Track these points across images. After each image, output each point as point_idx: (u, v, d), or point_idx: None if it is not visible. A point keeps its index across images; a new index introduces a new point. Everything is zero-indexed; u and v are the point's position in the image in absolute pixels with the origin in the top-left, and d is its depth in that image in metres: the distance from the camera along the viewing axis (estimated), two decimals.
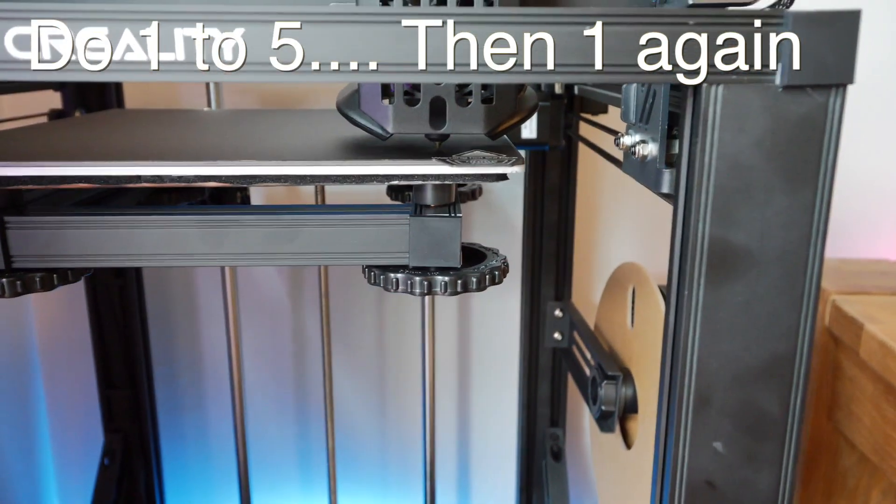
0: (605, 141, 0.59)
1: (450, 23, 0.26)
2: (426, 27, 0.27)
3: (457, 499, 1.01)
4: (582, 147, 0.81)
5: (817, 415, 0.77)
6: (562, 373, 0.88)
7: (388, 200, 0.72)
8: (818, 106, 0.27)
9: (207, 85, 0.75)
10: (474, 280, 0.38)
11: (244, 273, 0.91)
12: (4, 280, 0.36)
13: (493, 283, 0.39)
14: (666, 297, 0.31)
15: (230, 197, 0.69)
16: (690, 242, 0.29)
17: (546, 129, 0.73)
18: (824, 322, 0.74)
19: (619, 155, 0.50)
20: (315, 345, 0.95)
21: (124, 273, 0.79)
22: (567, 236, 0.83)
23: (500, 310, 0.94)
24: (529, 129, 0.73)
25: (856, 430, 0.72)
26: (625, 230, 0.93)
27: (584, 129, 0.72)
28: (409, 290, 0.37)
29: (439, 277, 0.37)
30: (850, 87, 0.50)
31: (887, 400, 0.66)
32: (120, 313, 0.80)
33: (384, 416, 0.98)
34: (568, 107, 0.74)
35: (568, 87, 0.71)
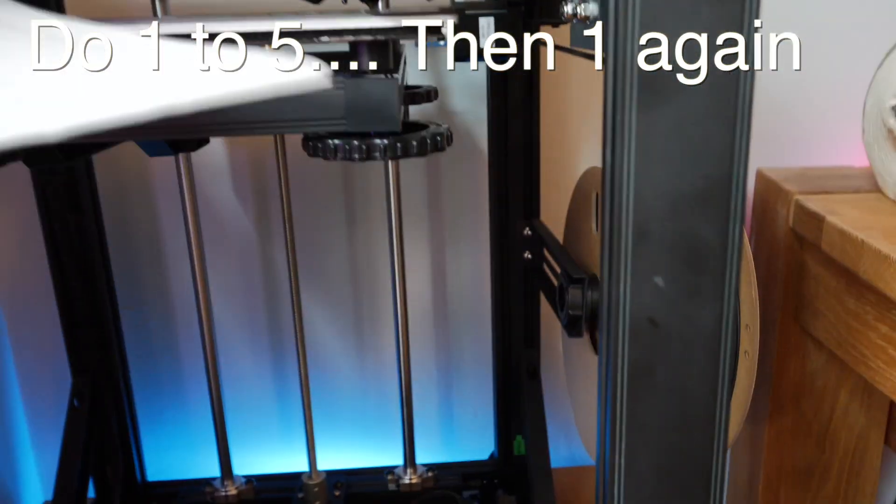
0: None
1: None
2: None
3: (437, 424, 1.02)
4: (544, 68, 0.80)
5: (784, 317, 0.78)
6: (534, 293, 0.88)
7: None
8: None
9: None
10: (415, 144, 0.37)
11: (208, 208, 0.90)
12: None
13: (435, 148, 0.38)
14: (603, 131, 0.31)
15: None
16: (619, 64, 0.28)
17: (505, 28, 0.72)
18: (788, 223, 0.74)
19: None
20: (285, 281, 0.94)
21: (81, 207, 0.77)
22: (532, 154, 0.82)
23: (471, 232, 0.94)
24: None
25: (821, 327, 0.72)
26: (591, 143, 0.93)
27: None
28: (347, 157, 0.37)
29: (378, 141, 0.36)
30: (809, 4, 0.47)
31: (849, 292, 0.66)
32: (79, 249, 0.79)
33: (359, 345, 0.98)
34: (527, 14, 0.72)
35: None
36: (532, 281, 0.87)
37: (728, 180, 0.30)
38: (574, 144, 0.93)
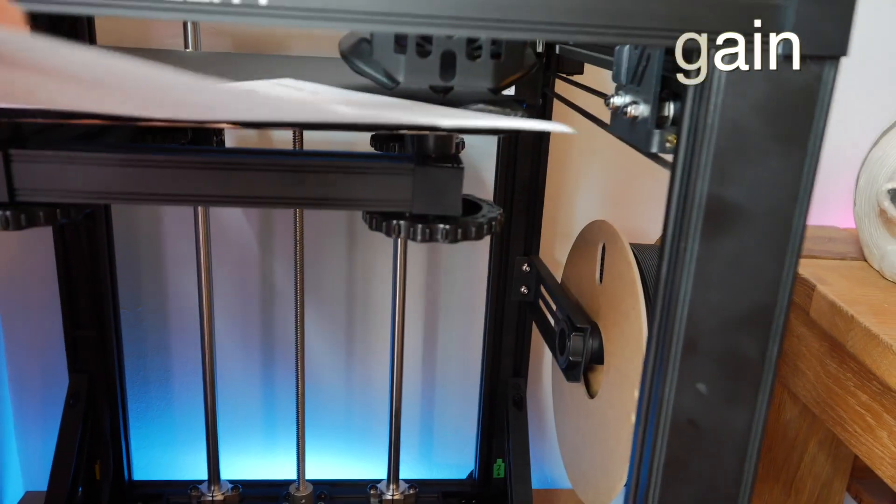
0: (580, 100, 0.61)
1: None
2: None
3: (419, 444, 1.04)
4: (556, 107, 0.83)
5: None
6: (526, 325, 0.91)
7: (360, 146, 0.72)
8: (814, 75, 0.30)
9: (185, 24, 0.74)
10: (473, 230, 0.39)
11: (214, 219, 0.91)
12: (9, 212, 0.36)
13: (489, 232, 0.41)
14: (661, 250, 0.33)
15: (207, 141, 0.69)
16: (689, 198, 0.31)
17: (525, 87, 0.75)
18: None
19: (597, 113, 0.52)
20: (282, 291, 0.96)
21: (93, 213, 0.78)
22: (537, 194, 0.85)
23: (469, 262, 0.96)
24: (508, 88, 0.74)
25: (800, 384, 0.76)
26: (592, 190, 0.96)
27: (560, 90, 0.74)
28: (410, 237, 0.39)
29: (441, 225, 0.39)
30: None
31: (831, 356, 0.70)
32: (88, 254, 0.79)
33: (351, 362, 1.00)
34: (545, 66, 0.75)
35: (549, 46, 0.72)
36: (526, 315, 0.90)
37: (773, 305, 0.33)
38: (572, 188, 0.96)
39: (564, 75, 0.74)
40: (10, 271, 0.91)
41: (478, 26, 0.28)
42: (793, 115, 0.30)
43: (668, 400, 0.34)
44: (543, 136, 0.83)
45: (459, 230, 0.38)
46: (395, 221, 0.39)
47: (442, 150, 0.39)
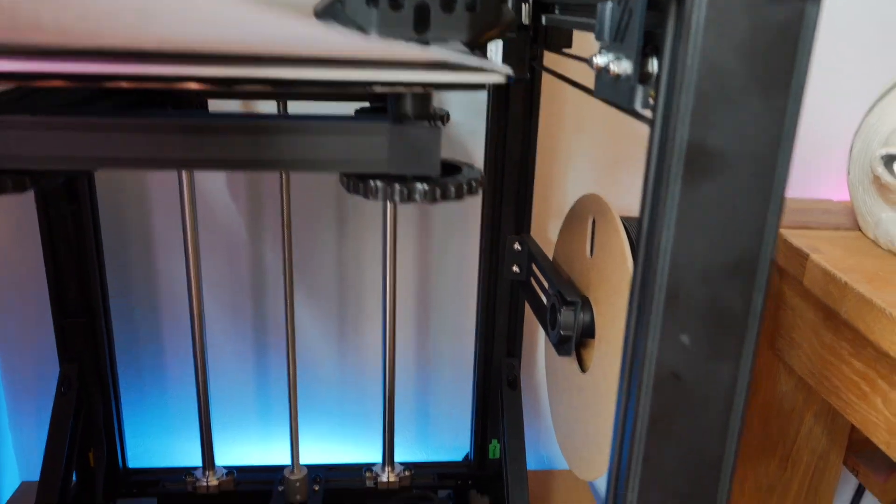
0: (570, 73, 0.60)
1: None
2: None
3: (415, 426, 1.04)
4: (545, 81, 0.82)
5: (760, 343, 0.81)
6: (519, 305, 0.91)
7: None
8: (795, 12, 0.29)
9: None
10: (453, 189, 0.39)
11: (201, 202, 0.90)
12: None
13: (469, 192, 0.40)
14: (642, 199, 0.33)
15: (188, 105, 0.67)
16: (668, 143, 0.30)
17: (512, 60, 0.74)
18: None
19: (587, 82, 0.51)
20: (274, 279, 0.95)
21: (78, 198, 0.77)
22: (528, 171, 0.84)
23: (461, 243, 0.96)
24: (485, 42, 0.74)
25: (795, 356, 0.76)
26: (583, 166, 0.95)
27: (549, 61, 0.73)
28: (388, 198, 0.38)
29: (419, 185, 0.38)
30: None
31: (826, 326, 0.70)
32: (74, 240, 0.79)
33: (344, 346, 1.00)
34: (533, 39, 0.74)
35: (535, 19, 0.71)
36: (519, 294, 0.90)
37: (757, 253, 0.32)
38: (563, 164, 0.95)
39: (553, 51, 0.74)
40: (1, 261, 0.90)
41: None
42: (774, 54, 0.29)
43: (650, 353, 0.33)
44: (533, 111, 0.82)
45: (438, 189, 0.38)
46: (371, 182, 0.38)
47: (420, 110, 0.39)
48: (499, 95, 0.81)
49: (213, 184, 0.91)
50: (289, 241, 0.81)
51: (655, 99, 0.32)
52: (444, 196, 0.38)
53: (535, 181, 0.85)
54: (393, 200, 0.37)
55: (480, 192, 0.40)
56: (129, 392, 0.95)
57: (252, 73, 0.35)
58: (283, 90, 0.35)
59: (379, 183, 0.38)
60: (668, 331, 0.33)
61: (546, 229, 0.98)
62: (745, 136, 0.30)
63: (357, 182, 0.39)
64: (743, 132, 0.30)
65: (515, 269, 0.87)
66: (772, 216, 0.31)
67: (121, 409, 0.89)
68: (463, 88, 0.36)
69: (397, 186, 0.38)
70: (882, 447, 0.62)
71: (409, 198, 0.38)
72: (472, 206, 0.93)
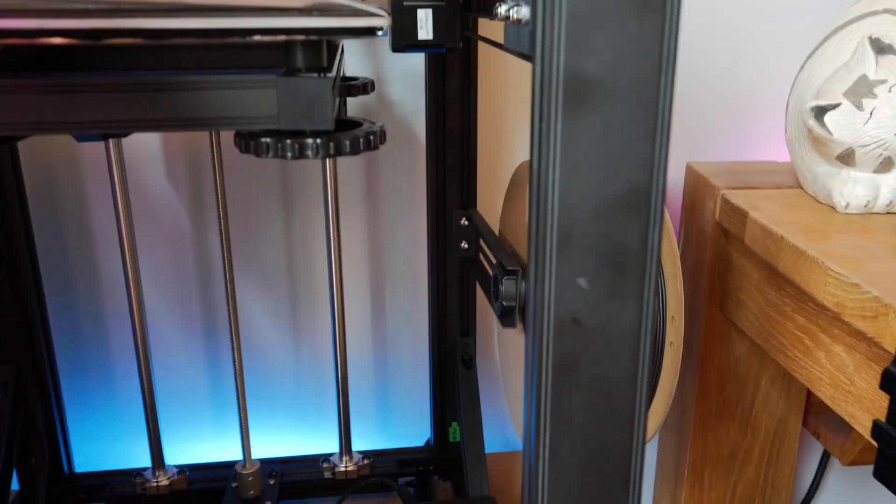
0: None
1: None
2: None
3: (374, 411, 1.02)
4: (482, 51, 0.81)
5: (710, 307, 0.81)
6: (470, 282, 0.89)
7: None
8: None
9: None
10: (347, 143, 0.37)
11: (143, 194, 0.88)
12: None
13: (368, 147, 0.39)
14: (530, 140, 0.31)
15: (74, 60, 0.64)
16: (546, 75, 0.29)
17: (443, 29, 0.72)
18: (714, 217, 0.77)
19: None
20: (219, 268, 0.93)
21: (4, 193, 0.75)
22: (469, 143, 0.83)
23: (408, 222, 0.94)
24: (426, 31, 0.72)
25: (744, 317, 0.75)
26: (526, 135, 0.94)
27: (484, 29, 0.72)
28: (279, 154, 0.37)
29: (310, 140, 0.36)
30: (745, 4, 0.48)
31: (770, 284, 0.69)
32: (2, 237, 0.76)
33: (296, 335, 0.98)
34: (464, 6, 0.73)
35: None
36: (468, 271, 0.88)
37: (649, 187, 0.31)
38: (509, 136, 0.94)
39: (485, 16, 0.72)
40: None
41: None
42: None
43: (548, 299, 0.32)
44: (471, 84, 0.80)
45: (332, 143, 0.36)
46: (262, 139, 0.36)
47: (312, 62, 0.37)
48: (436, 68, 0.80)
49: (155, 174, 0.88)
50: (226, 227, 0.79)
51: (533, 33, 0.30)
52: (339, 151, 0.37)
53: (481, 153, 0.84)
54: (284, 157, 0.36)
55: (380, 145, 0.39)
56: (74, 394, 0.93)
57: (121, 24, 0.34)
58: (157, 41, 0.33)
59: (269, 140, 0.37)
60: (564, 274, 0.32)
61: (496, 201, 0.97)
62: (623, 62, 0.29)
63: (248, 140, 0.37)
64: (621, 58, 0.29)
65: (464, 244, 0.86)
66: (660, 145, 0.30)
67: (63, 411, 0.86)
68: (345, 35, 0.35)
69: (288, 142, 0.36)
70: (827, 401, 0.61)
71: (300, 153, 0.36)
72: (419, 184, 0.92)
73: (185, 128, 0.36)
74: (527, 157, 0.90)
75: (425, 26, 0.73)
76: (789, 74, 0.77)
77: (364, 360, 1.00)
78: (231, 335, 0.82)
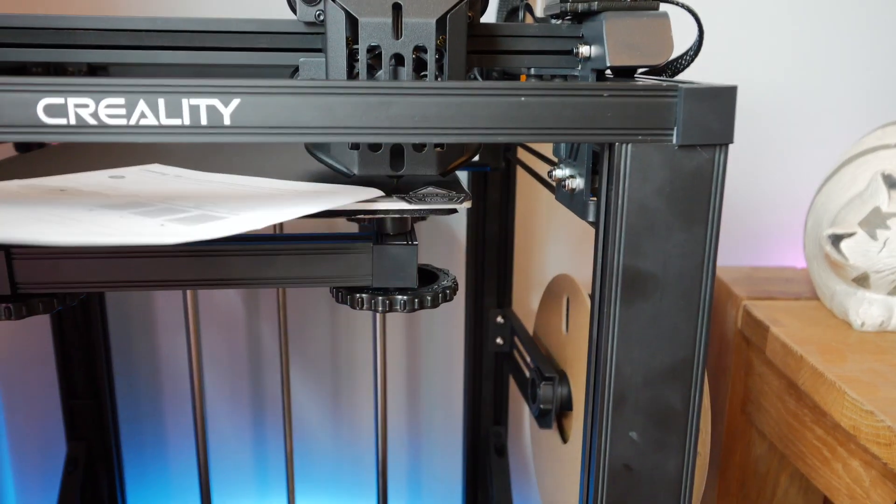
0: (541, 165, 0.66)
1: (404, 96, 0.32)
2: (389, 98, 0.32)
3: (407, 494, 1.07)
4: (520, 169, 0.88)
5: (732, 408, 0.86)
6: (503, 375, 0.95)
7: (337, 225, 0.77)
8: (706, 161, 0.34)
9: None
10: (429, 299, 0.44)
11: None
12: (11, 305, 0.41)
13: (444, 300, 0.45)
14: (590, 316, 0.38)
15: None
16: (608, 269, 0.36)
17: (488, 152, 0.80)
18: (737, 325, 0.83)
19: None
20: (270, 354, 1.00)
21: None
22: (507, 249, 0.89)
23: (446, 317, 1.00)
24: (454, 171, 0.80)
25: (765, 421, 0.80)
26: (559, 243, 1.01)
27: (522, 154, 0.79)
28: (372, 308, 0.43)
29: (399, 296, 0.43)
30: (760, 115, 0.56)
31: (789, 394, 0.74)
32: (83, 325, 0.83)
33: (338, 420, 1.03)
34: None
35: None
36: (503, 364, 0.94)
37: (692, 359, 0.37)
38: (543, 241, 1.00)
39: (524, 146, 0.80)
40: (10, 347, 0.94)
41: (411, 134, 0.33)
42: (691, 195, 0.35)
43: (604, 447, 0.38)
44: (509, 196, 0.87)
45: (416, 300, 0.43)
46: (357, 295, 0.43)
47: (399, 228, 0.44)
48: (478, 181, 0.87)
49: None
50: (284, 316, 0.85)
51: (596, 228, 0.37)
52: (422, 305, 0.43)
53: (515, 258, 0.90)
54: (376, 311, 0.42)
55: (454, 297, 0.45)
56: (133, 468, 0.99)
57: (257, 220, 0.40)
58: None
59: (364, 296, 0.43)
60: (619, 428, 0.38)
61: (531, 300, 1.03)
62: (672, 262, 0.35)
63: (345, 295, 0.44)
64: (670, 259, 0.35)
65: (499, 340, 0.92)
66: (701, 326, 0.36)
67: (125, 484, 0.92)
68: (432, 213, 0.41)
69: (380, 299, 0.43)
70: None
71: (390, 308, 0.43)
72: (459, 281, 0.98)
73: (295, 285, 0.43)
74: (559, 267, 0.96)
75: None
76: (808, 179, 0.83)
77: (399, 443, 1.05)
78: (284, 417, 0.88)
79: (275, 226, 0.84)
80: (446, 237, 0.98)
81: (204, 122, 0.31)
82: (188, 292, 0.84)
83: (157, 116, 0.31)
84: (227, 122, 0.32)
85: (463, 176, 0.93)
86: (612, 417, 0.37)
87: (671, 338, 0.36)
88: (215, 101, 0.31)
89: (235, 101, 0.31)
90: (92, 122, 0.30)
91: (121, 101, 0.31)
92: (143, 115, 0.31)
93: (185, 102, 0.31)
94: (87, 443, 0.85)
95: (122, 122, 0.31)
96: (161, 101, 0.31)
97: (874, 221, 0.70)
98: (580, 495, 0.41)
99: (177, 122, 0.31)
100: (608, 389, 0.37)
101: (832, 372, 0.64)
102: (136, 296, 0.95)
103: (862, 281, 0.72)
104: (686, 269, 0.36)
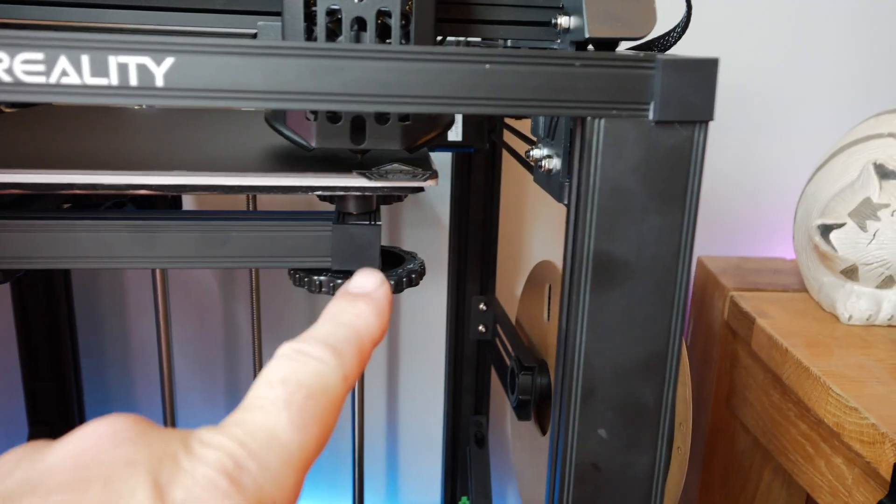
0: (524, 147, 0.63)
1: (368, 61, 0.30)
2: (341, 62, 0.30)
3: (385, 485, 1.05)
4: (505, 152, 0.86)
5: (717, 401, 0.84)
6: (485, 363, 0.93)
7: (317, 202, 0.74)
8: (685, 138, 0.32)
9: None
10: (392, 283, 0.41)
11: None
12: None
13: (409, 285, 0.42)
14: (560, 305, 0.35)
15: (161, 200, 0.70)
16: (578, 254, 0.33)
17: (472, 132, 0.77)
18: (724, 316, 0.80)
19: None
20: (245, 337, 0.97)
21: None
22: (491, 233, 0.87)
23: (428, 303, 0.98)
24: (455, 133, 0.77)
25: (748, 414, 0.78)
26: (545, 229, 0.98)
27: (507, 136, 0.76)
28: (331, 292, 0.40)
29: None
30: (752, 101, 0.53)
31: (773, 387, 0.72)
32: (45, 305, 0.80)
33: None
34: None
35: None
36: (485, 353, 0.92)
37: (665, 353, 0.34)
38: (528, 227, 0.98)
39: (511, 122, 0.77)
40: None
41: (366, 102, 0.30)
42: (668, 175, 0.32)
43: (572, 445, 0.35)
44: (494, 178, 0.85)
45: None
46: (315, 277, 0.40)
47: (362, 207, 0.41)
48: (461, 163, 0.84)
49: None
50: (257, 298, 0.83)
51: (567, 211, 0.34)
52: None
53: (501, 240, 0.88)
54: (333, 294, 0.40)
55: (419, 282, 0.42)
56: None
57: (197, 181, 0.38)
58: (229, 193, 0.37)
59: (322, 279, 0.40)
60: (587, 425, 0.35)
61: (512, 286, 1.00)
62: (647, 248, 0.33)
63: (303, 277, 0.41)
64: (645, 244, 0.33)
65: (481, 328, 0.89)
66: (676, 318, 0.34)
67: None
68: (398, 192, 0.39)
69: (339, 282, 0.40)
70: None
71: None
72: (439, 268, 0.96)
73: (249, 265, 0.40)
74: (545, 253, 0.93)
75: (456, 129, 0.77)
76: (800, 169, 0.81)
77: (378, 431, 1.03)
78: None
79: (247, 204, 0.81)
80: (429, 220, 0.96)
81: (134, 82, 0.29)
82: (157, 271, 0.81)
83: (80, 75, 0.28)
84: (159, 83, 0.29)
85: (447, 158, 0.90)
86: (579, 414, 0.35)
87: (644, 329, 0.34)
88: (146, 60, 0.28)
89: (169, 60, 0.29)
90: (7, 78, 0.28)
91: (39, 55, 0.28)
92: (64, 73, 0.28)
93: (112, 60, 0.28)
94: (50, 427, 0.83)
95: (42, 79, 0.28)
96: (85, 58, 0.28)
97: (864, 212, 0.68)
98: (546, 495, 0.38)
99: (103, 81, 0.28)
100: (576, 383, 0.35)
101: (817, 366, 0.61)
102: (104, 274, 0.92)
103: (850, 273, 0.70)
104: (661, 256, 0.33)
